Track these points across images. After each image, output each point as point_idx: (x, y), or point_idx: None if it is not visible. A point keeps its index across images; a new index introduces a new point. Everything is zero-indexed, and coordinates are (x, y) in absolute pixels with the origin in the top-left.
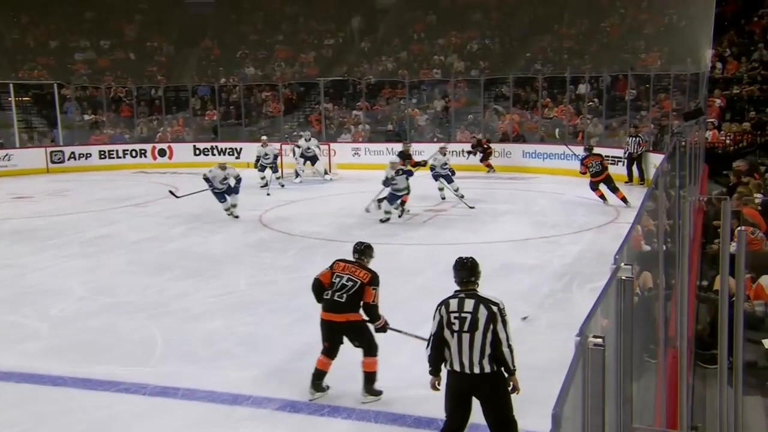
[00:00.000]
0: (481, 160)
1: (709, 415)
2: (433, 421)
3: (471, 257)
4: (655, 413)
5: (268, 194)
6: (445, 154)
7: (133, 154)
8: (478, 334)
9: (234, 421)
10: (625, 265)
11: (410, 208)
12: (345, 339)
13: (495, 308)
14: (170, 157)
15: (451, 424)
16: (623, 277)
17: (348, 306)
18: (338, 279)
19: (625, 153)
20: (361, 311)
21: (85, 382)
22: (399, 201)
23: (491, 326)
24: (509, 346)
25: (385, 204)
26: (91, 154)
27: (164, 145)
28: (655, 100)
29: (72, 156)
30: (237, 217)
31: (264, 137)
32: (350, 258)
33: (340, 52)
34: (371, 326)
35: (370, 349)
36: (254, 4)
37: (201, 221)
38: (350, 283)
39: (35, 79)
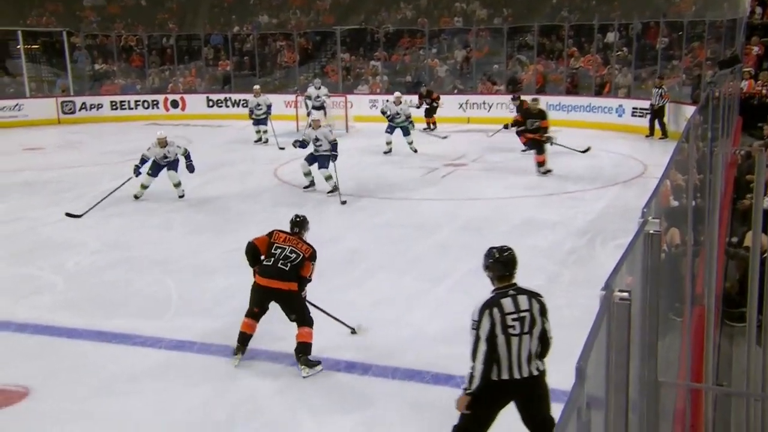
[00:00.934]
0: (426, 115)
1: (735, 374)
2: (452, 378)
3: (508, 248)
4: (679, 371)
5: (282, 148)
6: (399, 104)
7: (145, 105)
8: (536, 332)
9: (249, 375)
10: (653, 218)
11: (428, 163)
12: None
13: (543, 299)
14: (183, 109)
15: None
16: (651, 231)
17: (290, 275)
18: (279, 250)
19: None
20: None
21: (100, 335)
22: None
23: (542, 320)
24: (550, 338)
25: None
26: (102, 105)
27: (176, 96)
28: (688, 48)
29: (83, 107)
30: (182, 197)
31: (256, 87)
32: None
33: None
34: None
35: (304, 320)
36: None
37: (216, 175)
38: (293, 255)
39: (43, 26)
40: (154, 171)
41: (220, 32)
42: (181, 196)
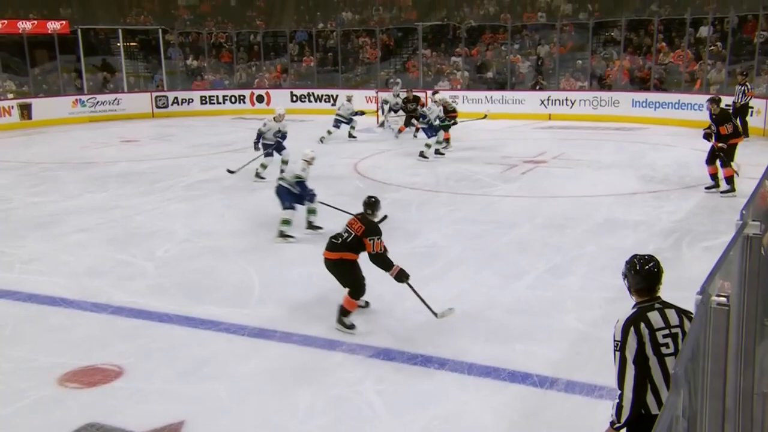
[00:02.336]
0: (405, 123)
1: None
2: (528, 376)
3: (651, 258)
4: None
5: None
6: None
7: (233, 99)
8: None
9: (330, 366)
10: (753, 221)
11: (507, 159)
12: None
13: (689, 313)
14: (268, 103)
15: None
16: (750, 234)
17: (340, 247)
18: (342, 230)
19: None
20: (362, 256)
21: (189, 320)
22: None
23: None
24: None
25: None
26: (192, 100)
27: (262, 91)
28: None
29: (175, 101)
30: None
31: (280, 110)
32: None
33: None
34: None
35: (352, 291)
36: None
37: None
38: (346, 234)
39: (141, 25)
40: (269, 149)
41: (304, 29)
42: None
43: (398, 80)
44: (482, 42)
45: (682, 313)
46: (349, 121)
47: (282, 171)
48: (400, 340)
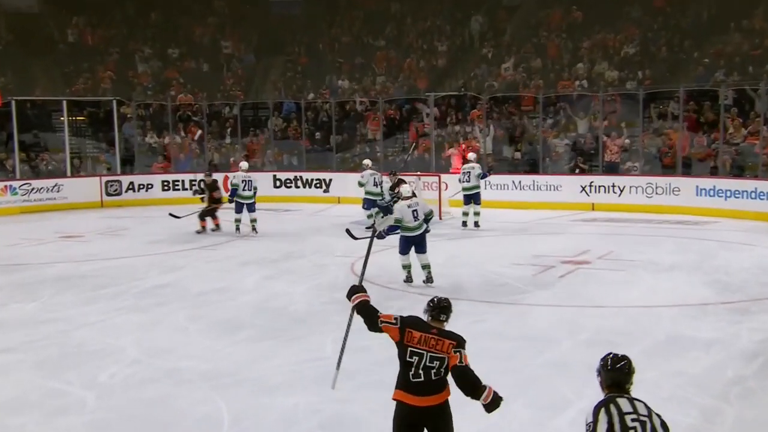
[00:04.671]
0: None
1: None
2: None
3: (624, 358)
4: None
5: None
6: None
7: (202, 185)
8: None
9: None
10: None
11: (541, 259)
12: None
13: (663, 418)
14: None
15: None
16: None
17: (439, 386)
18: (416, 358)
19: None
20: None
21: None
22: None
23: None
24: None
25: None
26: (152, 185)
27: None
28: None
29: (131, 187)
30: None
31: (243, 164)
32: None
33: (456, 60)
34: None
35: None
36: (351, 1)
37: (280, 269)
38: (436, 363)
39: (91, 94)
40: (239, 207)
41: (291, 99)
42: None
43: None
44: (507, 114)
45: (651, 410)
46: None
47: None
48: None
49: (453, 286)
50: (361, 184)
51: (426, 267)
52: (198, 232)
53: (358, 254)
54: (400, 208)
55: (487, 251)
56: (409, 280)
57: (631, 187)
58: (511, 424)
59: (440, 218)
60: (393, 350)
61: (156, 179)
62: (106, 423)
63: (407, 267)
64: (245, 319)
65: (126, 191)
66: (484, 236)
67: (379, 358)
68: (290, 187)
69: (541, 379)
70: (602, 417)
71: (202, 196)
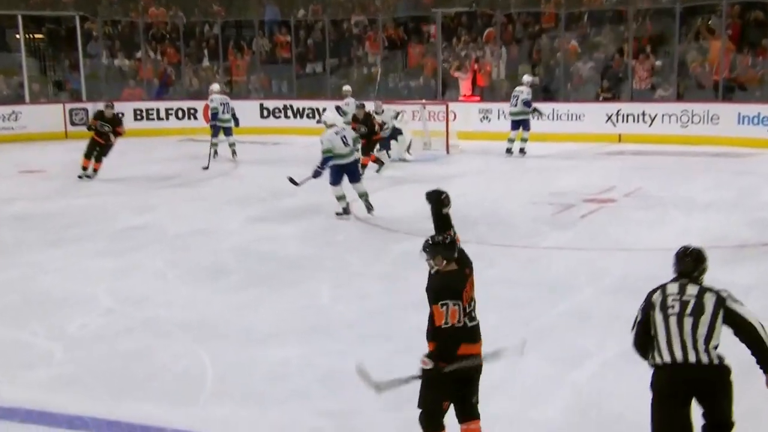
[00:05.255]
0: (364, 151)
1: None
2: None
3: (698, 248)
4: None
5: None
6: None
7: (180, 114)
8: (704, 319)
9: None
10: None
11: (561, 197)
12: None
13: (724, 293)
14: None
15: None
16: None
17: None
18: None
19: None
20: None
21: (112, 426)
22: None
23: (721, 312)
24: (761, 324)
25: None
26: (123, 114)
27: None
28: None
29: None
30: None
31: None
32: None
33: None
34: None
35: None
36: None
37: (268, 208)
38: (474, 302)
39: (51, 9)
40: (215, 131)
41: (280, 15)
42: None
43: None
44: (525, 34)
45: (707, 289)
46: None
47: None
48: None
49: (461, 228)
50: (344, 112)
51: (363, 195)
52: (81, 177)
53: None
54: (328, 137)
55: (500, 189)
56: (346, 212)
57: (663, 115)
58: (525, 379)
59: (447, 152)
60: (395, 298)
61: (127, 107)
62: (76, 378)
63: (342, 198)
64: (230, 264)
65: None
66: (497, 172)
67: (380, 306)
68: (279, 117)
69: (558, 329)
70: (645, 301)
71: (104, 131)
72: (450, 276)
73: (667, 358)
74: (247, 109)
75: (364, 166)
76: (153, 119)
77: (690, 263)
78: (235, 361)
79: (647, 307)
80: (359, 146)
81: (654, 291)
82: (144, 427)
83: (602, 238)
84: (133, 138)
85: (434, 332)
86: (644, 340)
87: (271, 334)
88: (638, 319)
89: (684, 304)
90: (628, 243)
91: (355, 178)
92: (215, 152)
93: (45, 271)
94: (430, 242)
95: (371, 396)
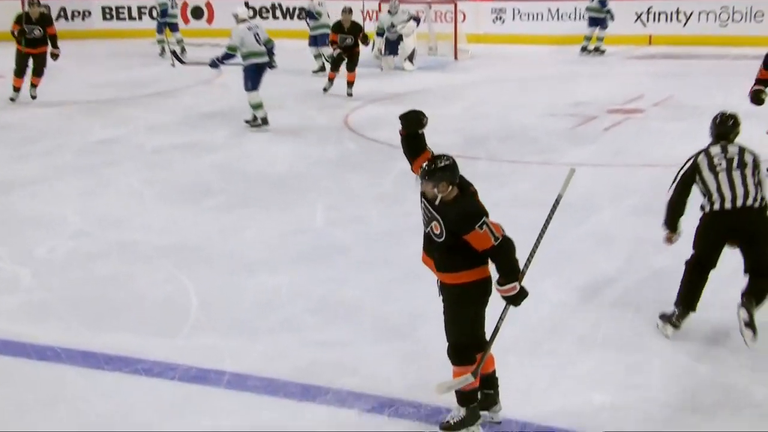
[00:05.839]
0: (349, 66)
1: None
2: None
3: (733, 112)
4: None
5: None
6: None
7: (154, 13)
8: (748, 171)
9: (305, 424)
10: None
11: (582, 108)
12: None
13: (756, 152)
14: (209, 21)
15: (705, 260)
16: None
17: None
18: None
19: None
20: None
21: (86, 357)
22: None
23: (758, 169)
24: None
25: None
26: (90, 13)
27: (201, 1)
28: None
29: (62, 14)
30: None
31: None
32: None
33: None
34: None
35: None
36: None
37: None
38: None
39: None
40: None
41: None
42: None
43: None
44: None
45: (745, 149)
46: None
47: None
48: (413, 385)
49: (469, 142)
50: (315, 15)
51: (257, 107)
52: (13, 100)
53: (352, 104)
54: (239, 32)
55: (514, 99)
56: (264, 122)
57: (700, 12)
58: (542, 306)
59: (455, 58)
60: (396, 222)
61: (94, 5)
62: (46, 305)
63: (259, 107)
64: (214, 183)
65: (57, 19)
66: (511, 81)
67: (379, 230)
68: (266, 17)
69: (577, 254)
70: (688, 164)
71: (35, 36)
72: (463, 198)
73: (716, 205)
74: (229, 9)
75: (350, 83)
76: (124, 19)
77: (730, 126)
78: (221, 288)
79: (693, 169)
80: (273, 50)
81: (696, 155)
82: (122, 359)
83: (627, 153)
84: (103, 40)
85: (474, 253)
86: (683, 198)
87: (259, 259)
88: (680, 178)
89: (729, 161)
90: (657, 158)
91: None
92: (163, 50)
93: (7, 188)
94: (433, 167)
95: (367, 326)
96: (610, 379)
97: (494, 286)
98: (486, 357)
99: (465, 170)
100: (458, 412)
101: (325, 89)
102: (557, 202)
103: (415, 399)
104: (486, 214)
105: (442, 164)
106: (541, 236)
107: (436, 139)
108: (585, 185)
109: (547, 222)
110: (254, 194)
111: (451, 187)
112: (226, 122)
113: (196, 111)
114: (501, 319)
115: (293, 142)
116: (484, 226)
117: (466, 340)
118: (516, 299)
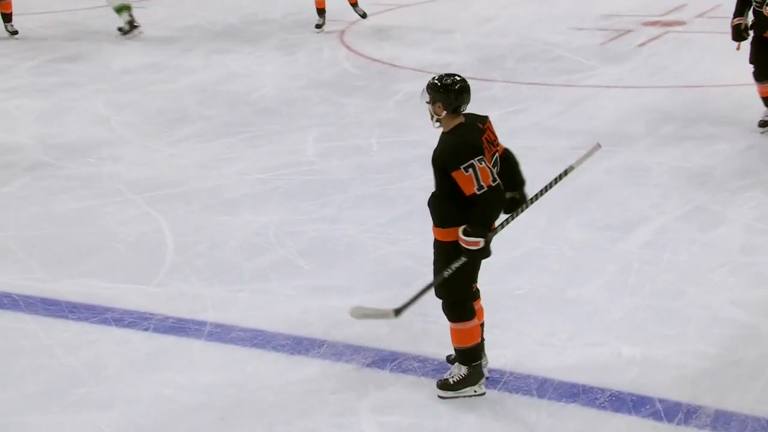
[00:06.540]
0: None
1: None
2: (646, 402)
3: None
4: None
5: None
6: None
7: None
8: None
9: (295, 378)
10: None
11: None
12: None
13: None
14: None
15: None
16: None
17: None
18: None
19: None
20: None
21: (49, 305)
22: None
23: None
24: None
25: None
26: None
27: None
28: None
29: None
30: None
31: None
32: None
33: None
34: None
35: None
36: None
37: (239, 39)
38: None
39: None
40: None
41: None
42: None
43: None
44: None
45: None
46: None
47: None
48: (418, 337)
49: (483, 61)
50: None
51: (121, 9)
52: None
53: (347, 18)
54: None
55: (535, 11)
56: (133, 26)
57: None
58: (564, 248)
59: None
60: (398, 152)
61: None
62: (3, 247)
63: (124, 9)
64: (191, 109)
65: None
66: None
67: (379, 161)
68: None
69: (606, 189)
70: None
71: None
72: (461, 129)
73: None
74: None
75: (354, 3)
76: None
77: None
78: (200, 229)
79: None
80: None
81: None
82: (88, 307)
83: (666, 72)
84: None
85: (462, 206)
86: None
87: (245, 195)
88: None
89: None
90: (698, 79)
91: None
92: None
93: None
94: (435, 81)
95: (366, 270)
96: (641, 330)
97: (459, 233)
98: (417, 300)
99: (478, 94)
100: (458, 371)
101: (318, 26)
102: (566, 172)
103: (421, 353)
104: (479, 156)
105: (444, 82)
106: (531, 200)
107: (448, 58)
108: (616, 110)
109: (545, 189)
110: (238, 121)
111: (445, 113)
112: (205, 40)
113: (168, 26)
114: (448, 269)
115: (283, 60)
116: (470, 170)
117: (463, 297)
118: (474, 255)
